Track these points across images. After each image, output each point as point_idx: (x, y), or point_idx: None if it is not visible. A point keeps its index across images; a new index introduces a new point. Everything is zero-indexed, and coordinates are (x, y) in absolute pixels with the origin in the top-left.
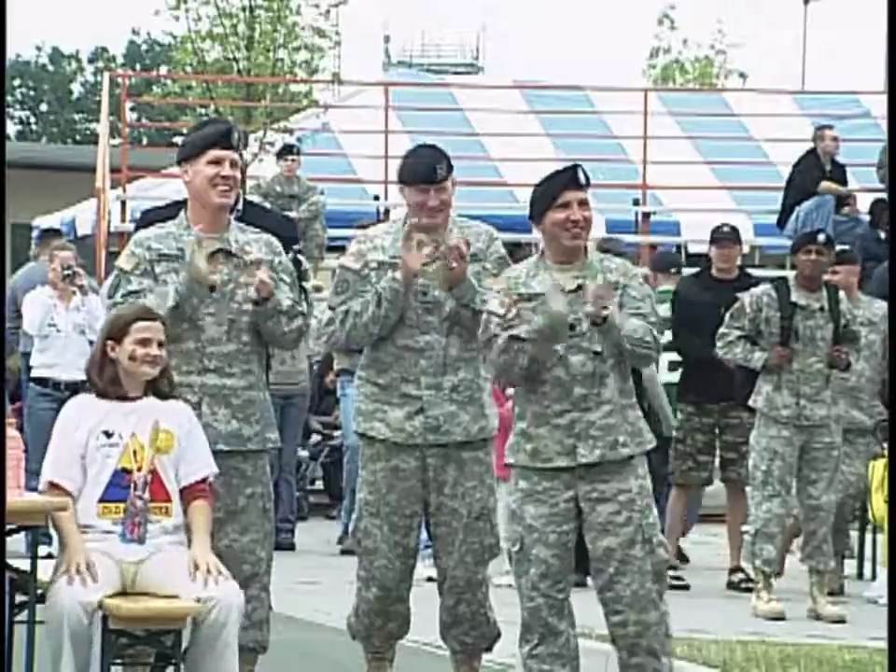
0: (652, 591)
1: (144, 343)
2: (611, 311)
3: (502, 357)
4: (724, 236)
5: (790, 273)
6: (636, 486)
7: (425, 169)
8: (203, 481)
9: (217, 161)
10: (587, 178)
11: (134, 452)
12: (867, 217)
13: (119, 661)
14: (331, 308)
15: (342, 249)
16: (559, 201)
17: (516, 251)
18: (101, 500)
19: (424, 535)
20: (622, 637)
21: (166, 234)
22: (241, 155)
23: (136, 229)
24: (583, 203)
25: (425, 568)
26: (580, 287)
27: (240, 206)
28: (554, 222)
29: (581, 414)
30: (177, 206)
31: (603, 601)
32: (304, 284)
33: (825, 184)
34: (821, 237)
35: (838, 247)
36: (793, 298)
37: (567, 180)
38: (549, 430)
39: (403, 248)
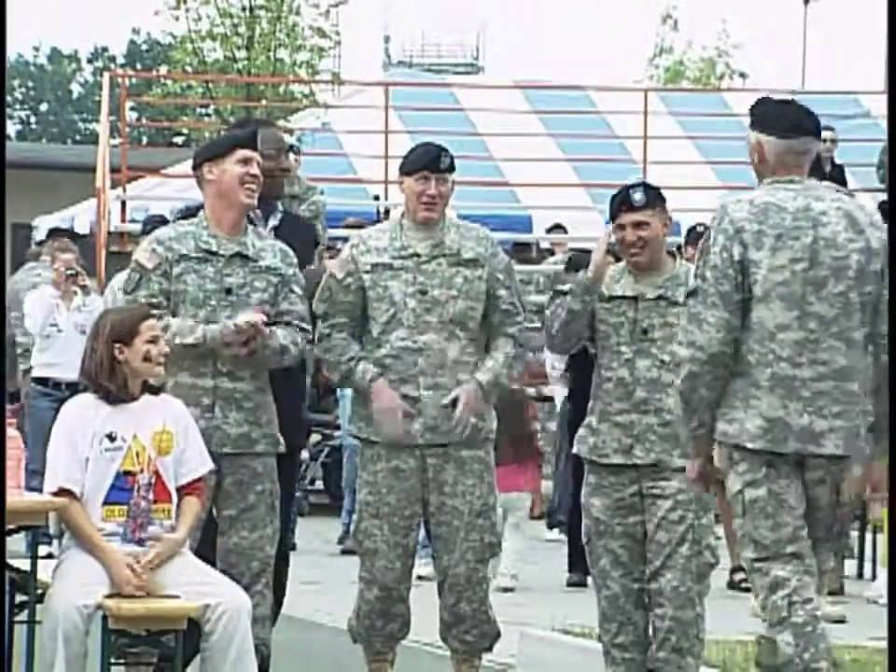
0: (693, 590)
1: (155, 341)
2: None
3: (551, 317)
4: None
5: None
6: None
7: (429, 157)
8: (199, 479)
9: (246, 161)
10: (648, 197)
11: (137, 454)
12: None
13: (121, 661)
14: (316, 315)
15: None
16: (616, 222)
17: (516, 251)
18: (105, 503)
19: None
20: (657, 630)
21: (185, 234)
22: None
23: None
24: (638, 225)
25: (418, 567)
26: (661, 297)
27: (278, 220)
28: (618, 240)
29: (640, 417)
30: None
31: (648, 592)
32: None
33: (825, 184)
34: None
35: None
36: None
37: (619, 203)
38: (609, 427)
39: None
